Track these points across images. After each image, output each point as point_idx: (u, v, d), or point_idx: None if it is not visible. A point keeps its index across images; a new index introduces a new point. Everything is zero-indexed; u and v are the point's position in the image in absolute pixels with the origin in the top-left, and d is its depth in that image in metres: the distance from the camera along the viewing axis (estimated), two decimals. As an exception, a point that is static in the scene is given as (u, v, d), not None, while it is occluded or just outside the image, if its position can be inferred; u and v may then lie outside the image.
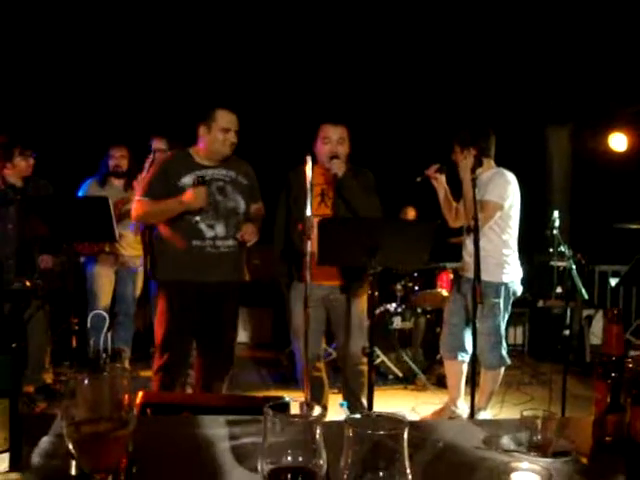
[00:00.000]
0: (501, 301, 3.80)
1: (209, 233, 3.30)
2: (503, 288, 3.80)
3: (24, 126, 4.96)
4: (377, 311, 5.10)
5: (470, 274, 3.55)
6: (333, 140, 3.48)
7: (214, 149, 3.33)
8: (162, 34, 6.01)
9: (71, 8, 5.56)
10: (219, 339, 3.46)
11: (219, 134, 3.30)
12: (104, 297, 4.82)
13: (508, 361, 3.91)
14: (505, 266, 3.81)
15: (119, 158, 4.87)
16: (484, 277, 3.34)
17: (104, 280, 4.85)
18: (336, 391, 4.12)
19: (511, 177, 3.82)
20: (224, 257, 3.34)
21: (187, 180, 3.27)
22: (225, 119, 3.32)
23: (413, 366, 5.06)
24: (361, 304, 3.52)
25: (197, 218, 3.27)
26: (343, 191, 3.44)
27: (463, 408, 4.00)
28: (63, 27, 5.76)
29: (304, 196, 3.12)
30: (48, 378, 4.42)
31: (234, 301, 3.52)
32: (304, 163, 3.12)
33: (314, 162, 3.52)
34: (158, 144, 4.78)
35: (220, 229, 3.32)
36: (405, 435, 0.76)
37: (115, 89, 6.39)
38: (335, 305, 3.58)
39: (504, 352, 3.86)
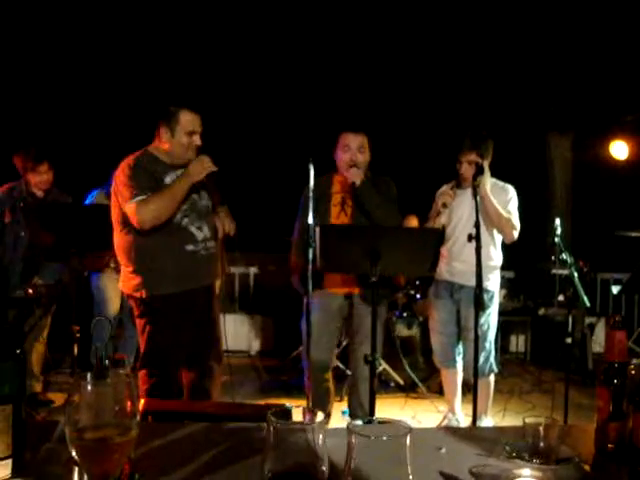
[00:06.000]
0: (495, 308, 3.84)
1: (200, 235, 3.08)
2: (495, 295, 3.86)
3: (39, 137, 4.97)
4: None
5: (464, 281, 3.65)
6: (353, 148, 3.41)
7: (177, 153, 3.05)
8: (163, 41, 6.04)
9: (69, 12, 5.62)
10: (211, 342, 3.25)
11: (184, 138, 3.01)
12: (112, 306, 4.78)
13: (496, 369, 3.91)
14: (495, 273, 3.85)
15: None
16: (484, 284, 3.34)
17: (111, 292, 4.76)
18: (338, 399, 4.12)
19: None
20: (212, 258, 3.18)
21: (168, 181, 3.03)
22: (190, 121, 3.02)
23: (412, 375, 5.05)
24: (383, 313, 3.47)
25: (185, 221, 3.05)
26: (361, 200, 3.37)
27: (461, 415, 4.01)
28: (64, 34, 5.80)
29: (323, 205, 3.06)
30: (37, 387, 4.40)
31: (219, 302, 3.36)
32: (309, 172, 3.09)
33: (334, 170, 3.52)
34: None
35: (206, 230, 3.13)
36: (407, 441, 0.76)
37: (125, 100, 6.40)
38: (356, 313, 3.45)
39: (493, 359, 3.87)
